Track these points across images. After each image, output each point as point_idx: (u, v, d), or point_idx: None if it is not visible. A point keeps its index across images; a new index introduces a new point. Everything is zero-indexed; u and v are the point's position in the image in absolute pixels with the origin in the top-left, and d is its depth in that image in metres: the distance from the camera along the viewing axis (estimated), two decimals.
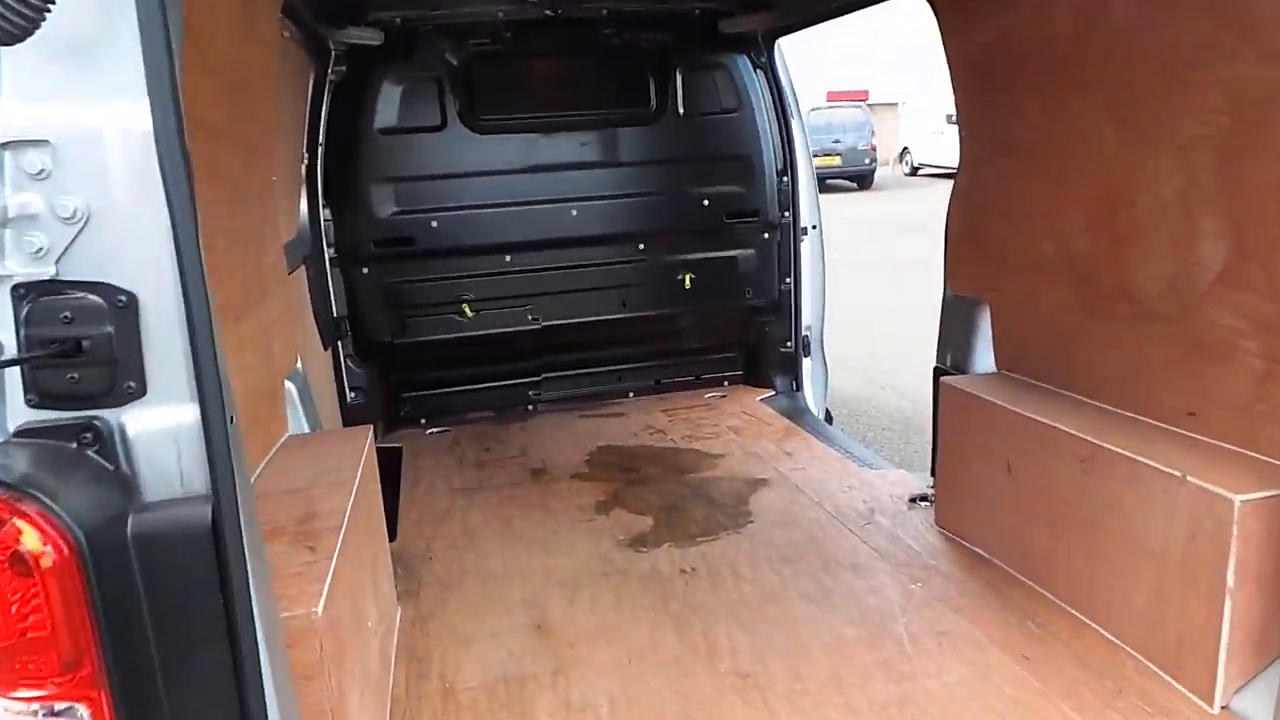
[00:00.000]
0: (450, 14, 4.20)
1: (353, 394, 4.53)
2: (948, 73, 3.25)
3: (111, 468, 1.20)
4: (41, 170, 1.16)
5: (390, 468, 4.22)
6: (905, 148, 29.81)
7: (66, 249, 1.17)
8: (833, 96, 29.79)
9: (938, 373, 3.53)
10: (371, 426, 2.74)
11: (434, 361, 4.82)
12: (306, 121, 4.15)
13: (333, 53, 4.14)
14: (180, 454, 1.22)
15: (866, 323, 9.19)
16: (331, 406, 4.17)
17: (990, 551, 3.03)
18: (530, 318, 4.74)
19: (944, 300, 3.54)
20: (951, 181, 3.53)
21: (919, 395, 7.43)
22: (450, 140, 4.44)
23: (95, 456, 1.20)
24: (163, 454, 1.22)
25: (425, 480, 4.04)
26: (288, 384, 2.88)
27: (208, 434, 1.19)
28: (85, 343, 1.17)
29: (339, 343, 4.41)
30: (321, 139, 4.25)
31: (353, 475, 2.33)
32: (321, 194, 4.29)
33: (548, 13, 4.26)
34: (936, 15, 3.17)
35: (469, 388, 4.93)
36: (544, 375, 4.99)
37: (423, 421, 4.85)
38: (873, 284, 11.53)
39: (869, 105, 28.88)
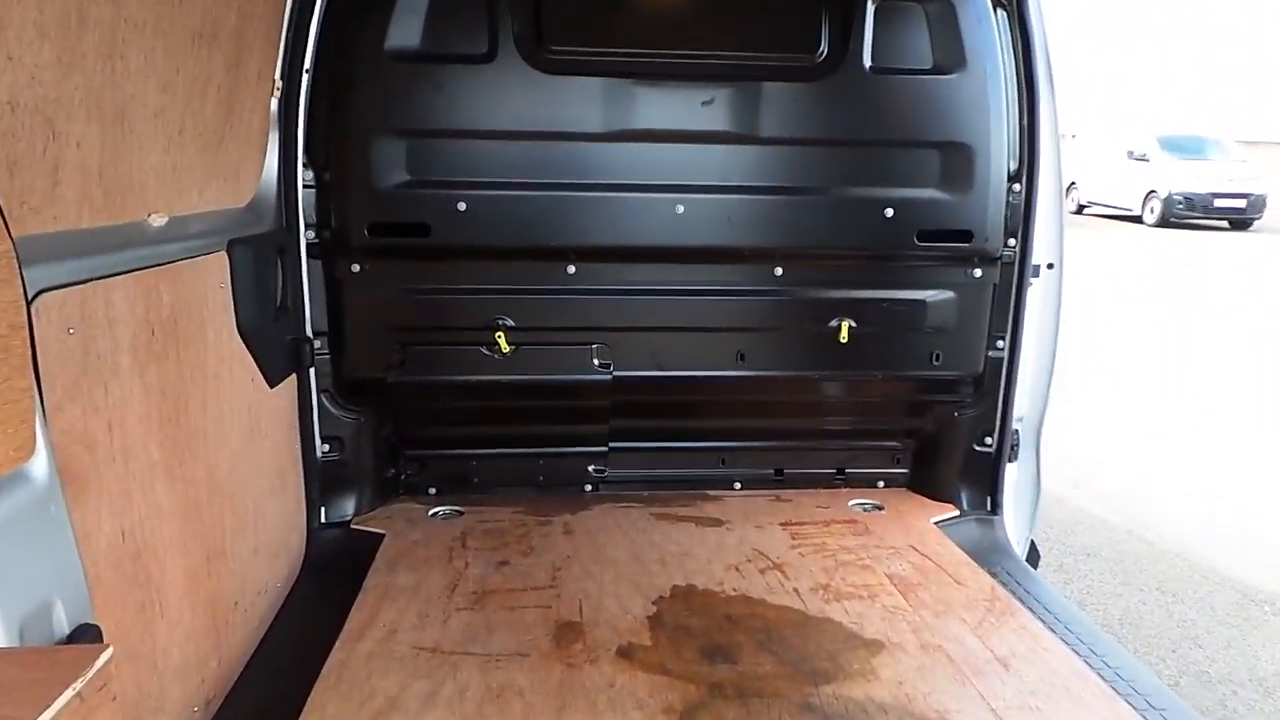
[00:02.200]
0: None
1: (327, 447, 3.03)
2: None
3: None
4: None
5: (346, 576, 2.69)
6: (1072, 182, 26.85)
7: None
8: None
9: None
10: (108, 650, 1.15)
11: (450, 411, 3.26)
12: (285, 30, 2.66)
13: None
14: None
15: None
16: (284, 465, 2.69)
17: None
18: (597, 363, 3.12)
19: None
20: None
21: (1127, 503, 5.57)
22: (499, 80, 2.87)
23: None
24: None
25: (387, 615, 2.48)
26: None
27: None
28: None
29: (309, 373, 2.91)
30: (308, 63, 2.76)
31: None
32: (302, 147, 2.80)
33: None
34: None
35: (500, 452, 3.35)
36: (612, 445, 3.35)
37: (431, 491, 3.31)
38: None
39: None
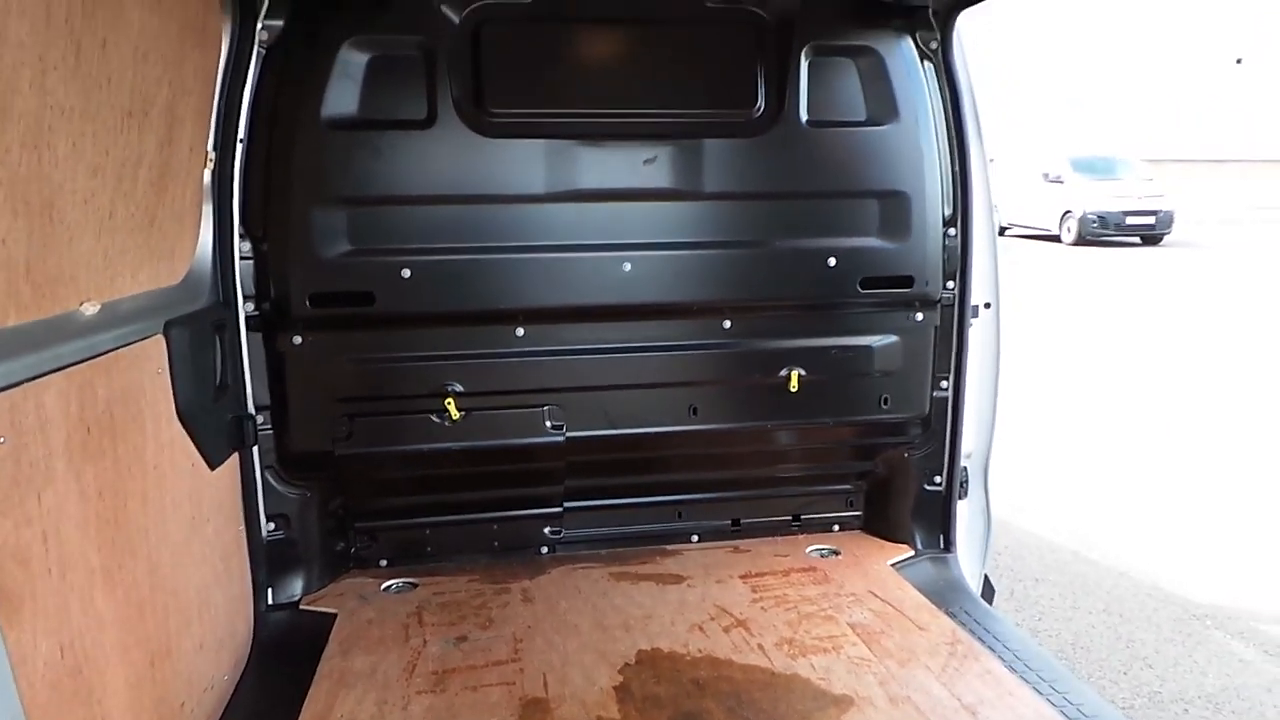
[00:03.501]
0: None
1: (272, 525, 2.92)
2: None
3: None
4: None
5: (298, 661, 2.59)
6: (993, 205, 27.76)
7: None
8: None
9: None
10: None
11: (400, 481, 3.18)
12: (217, 102, 2.60)
13: None
14: None
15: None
16: (228, 549, 2.61)
17: None
18: (549, 425, 3.08)
19: None
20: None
21: (1081, 529, 5.54)
22: (440, 144, 2.84)
23: None
24: None
25: (344, 706, 2.38)
26: None
27: None
28: None
29: (252, 451, 2.82)
30: (242, 132, 2.70)
31: None
32: (238, 218, 2.72)
33: None
34: None
35: (452, 519, 3.27)
36: (566, 505, 3.31)
37: (383, 564, 3.21)
38: None
39: None
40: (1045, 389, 8.82)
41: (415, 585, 3.09)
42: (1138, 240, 24.23)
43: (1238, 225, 29.54)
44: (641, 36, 3.05)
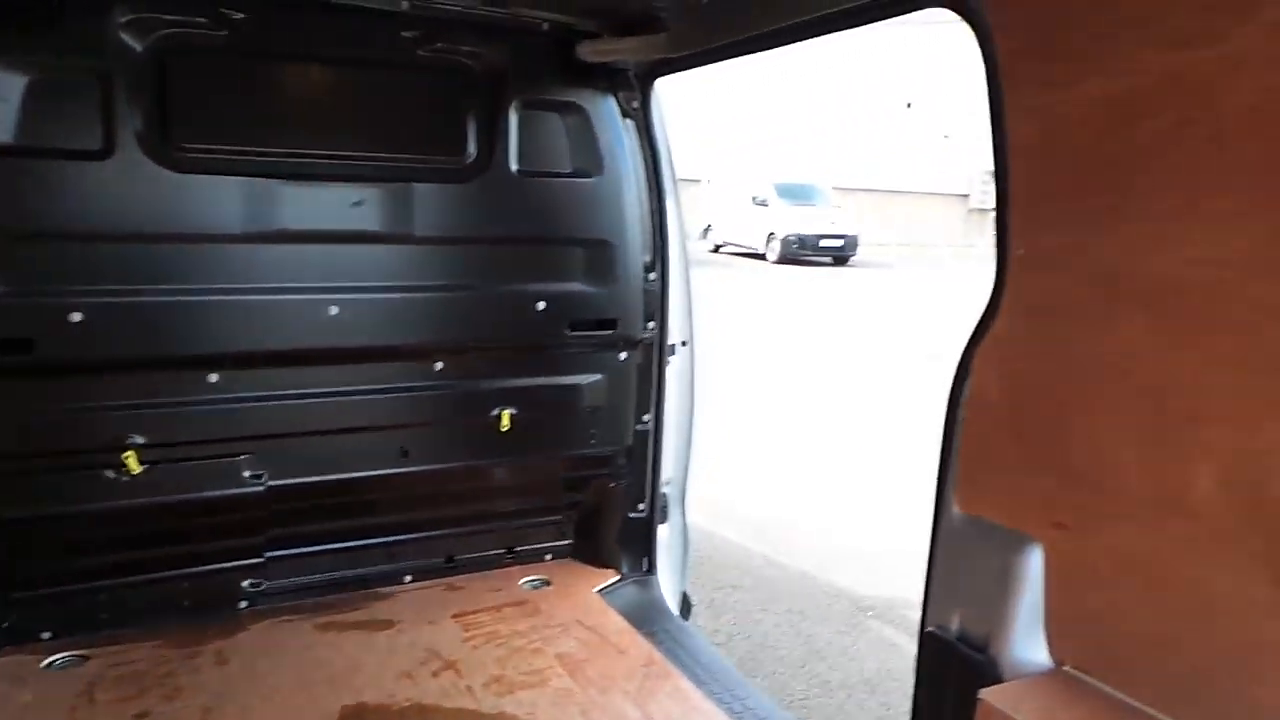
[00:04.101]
0: None
1: None
2: (991, 157, 1.91)
3: None
4: None
5: None
6: (709, 225, 29.89)
7: None
8: None
9: (930, 640, 2.14)
10: None
11: (72, 544, 2.86)
12: None
13: None
14: None
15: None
16: None
17: None
18: (248, 474, 2.92)
19: (938, 518, 2.16)
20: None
21: (772, 535, 6.23)
22: (119, 178, 2.59)
23: None
24: None
25: None
26: None
27: None
28: None
29: None
30: None
31: None
32: None
33: None
34: (992, 75, 1.84)
35: (132, 580, 2.99)
36: (269, 555, 3.15)
37: (45, 636, 2.86)
38: None
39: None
40: (746, 399, 9.66)
41: (86, 658, 2.79)
42: (830, 260, 27.18)
43: (912, 248, 34.05)
44: (350, 78, 2.98)
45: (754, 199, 27.67)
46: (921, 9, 2.03)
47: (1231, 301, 1.51)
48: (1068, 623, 1.87)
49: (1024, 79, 1.79)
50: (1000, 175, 1.86)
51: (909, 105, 35.28)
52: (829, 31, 2.32)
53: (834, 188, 29.94)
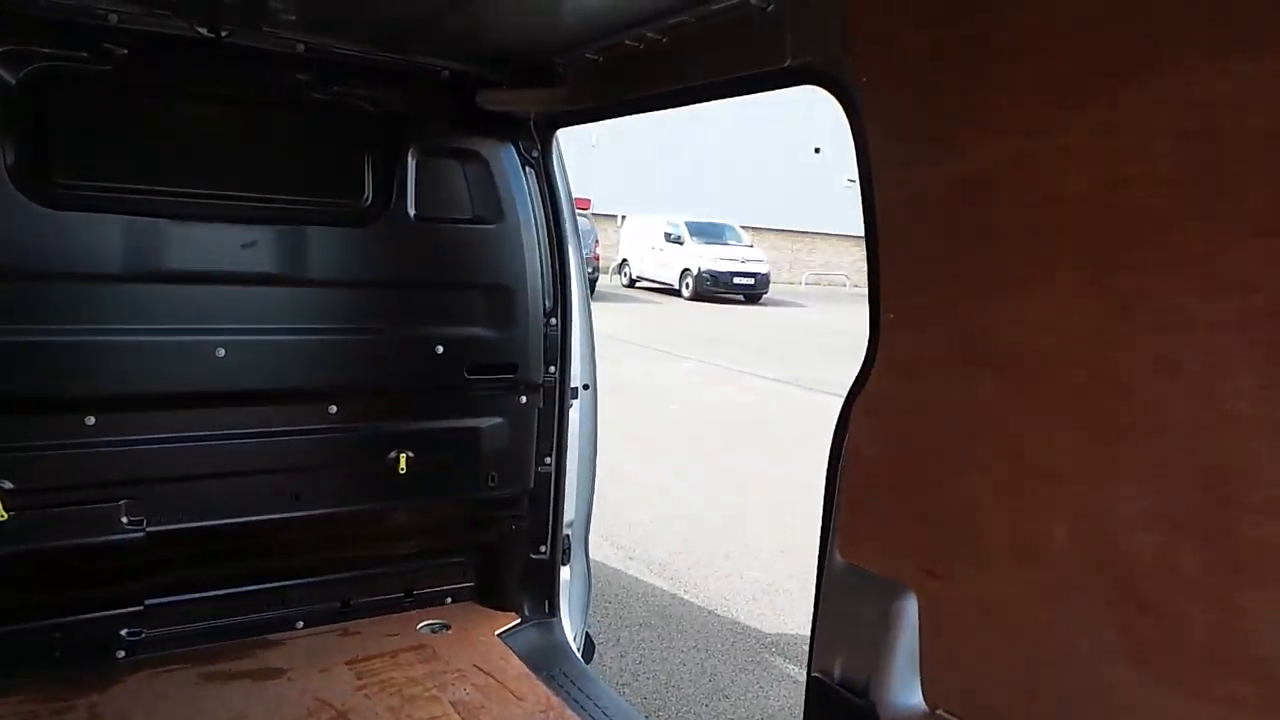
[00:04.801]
0: None
1: None
2: (860, 216, 2.03)
3: None
4: None
5: None
6: (625, 259, 30.17)
7: None
8: None
9: (815, 684, 2.21)
10: None
11: None
12: None
13: None
14: None
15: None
16: None
17: None
18: (126, 520, 2.82)
19: (822, 565, 2.24)
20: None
21: (675, 570, 6.34)
22: None
23: None
24: None
25: None
26: None
27: None
28: None
29: None
30: None
31: None
32: None
33: (203, 32, 2.56)
34: (862, 150, 1.96)
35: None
36: (149, 602, 3.03)
37: None
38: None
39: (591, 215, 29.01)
40: (662, 437, 9.74)
41: None
42: (742, 298, 27.70)
43: (821, 286, 34.99)
44: (242, 118, 2.96)
45: (668, 236, 28.09)
46: (796, 86, 2.15)
47: (1072, 368, 1.63)
48: (940, 668, 1.96)
49: (890, 156, 1.91)
50: (870, 241, 1.97)
51: (817, 150, 36.45)
52: (711, 98, 2.44)
53: (745, 227, 30.65)
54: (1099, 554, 1.60)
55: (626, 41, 2.49)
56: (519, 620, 3.56)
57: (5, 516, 2.59)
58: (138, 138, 2.79)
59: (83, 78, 2.63)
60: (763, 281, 27.98)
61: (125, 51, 2.61)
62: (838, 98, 1.99)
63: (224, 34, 2.56)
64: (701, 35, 2.31)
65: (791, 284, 34.84)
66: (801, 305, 28.22)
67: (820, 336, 19.91)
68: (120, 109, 2.73)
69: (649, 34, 2.41)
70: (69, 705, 2.74)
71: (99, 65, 2.62)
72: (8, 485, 2.61)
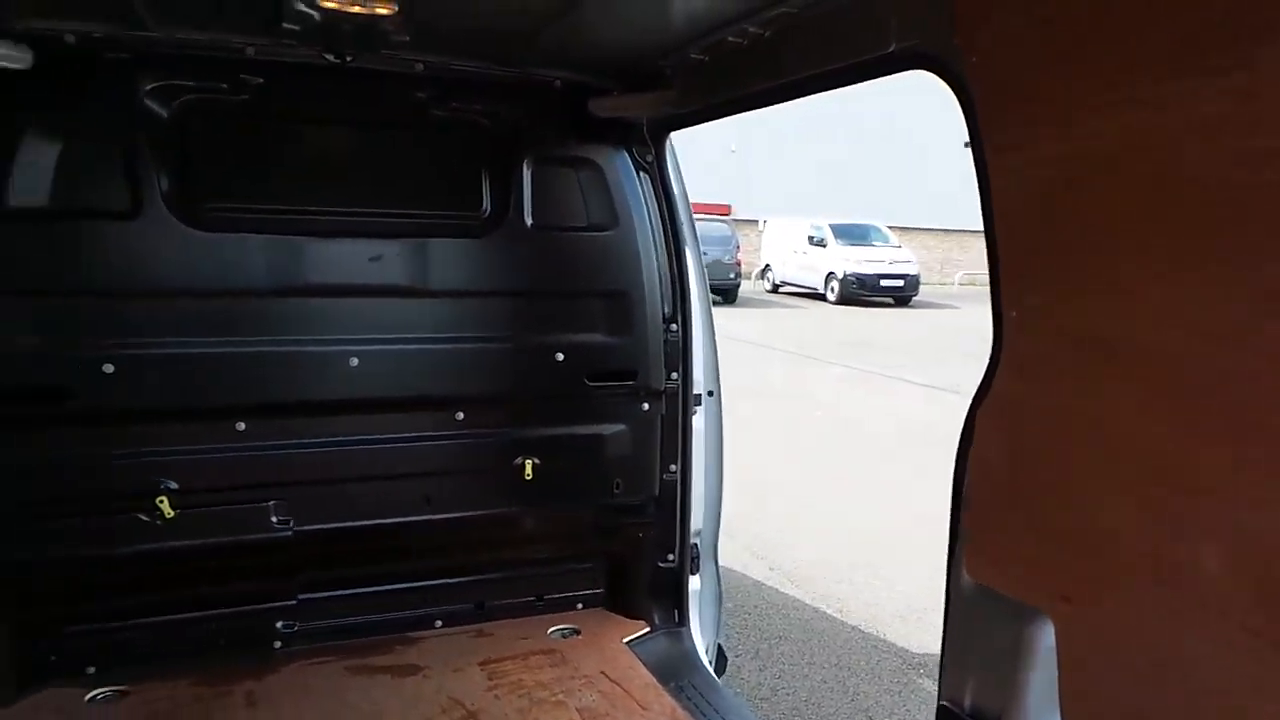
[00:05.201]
0: (159, 36, 2.58)
1: None
2: (981, 211, 1.89)
3: None
4: None
5: None
6: (767, 265, 29.87)
7: None
8: (695, 209, 29.61)
9: (944, 714, 2.05)
10: None
11: (108, 584, 2.98)
12: None
13: None
14: None
15: (738, 467, 7.82)
16: None
17: None
18: (275, 520, 3.01)
19: (950, 584, 2.09)
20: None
21: (816, 582, 6.12)
22: (146, 237, 2.75)
23: None
24: None
25: None
26: None
27: None
28: None
29: None
30: None
31: None
32: None
33: (329, 59, 2.71)
34: (975, 137, 1.83)
35: (170, 618, 3.08)
36: (301, 597, 3.21)
37: (90, 671, 2.96)
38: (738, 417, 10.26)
39: (732, 220, 28.89)
40: (804, 446, 9.54)
41: (126, 693, 2.89)
42: (891, 301, 26.80)
43: (975, 286, 33.37)
44: (366, 137, 3.12)
45: (811, 239, 27.56)
46: (904, 71, 2.04)
47: (1217, 371, 1.43)
48: (1083, 703, 1.77)
49: (1004, 140, 1.77)
50: (989, 236, 1.83)
51: (966, 144, 34.85)
52: (818, 90, 2.36)
53: (892, 227, 29.66)
54: (1255, 580, 1.41)
55: (730, 38, 2.44)
56: (648, 629, 3.54)
57: (172, 514, 2.82)
58: (274, 160, 2.99)
59: (223, 107, 2.84)
60: (912, 283, 26.96)
61: (260, 81, 2.80)
62: (947, 82, 1.86)
63: (348, 59, 2.70)
64: (803, 25, 2.23)
65: (943, 285, 33.44)
66: (954, 307, 26.99)
67: (973, 341, 18.97)
68: (257, 135, 2.93)
69: (751, 28, 2.36)
70: (228, 691, 2.95)
71: (237, 95, 2.82)
72: (173, 486, 2.83)
